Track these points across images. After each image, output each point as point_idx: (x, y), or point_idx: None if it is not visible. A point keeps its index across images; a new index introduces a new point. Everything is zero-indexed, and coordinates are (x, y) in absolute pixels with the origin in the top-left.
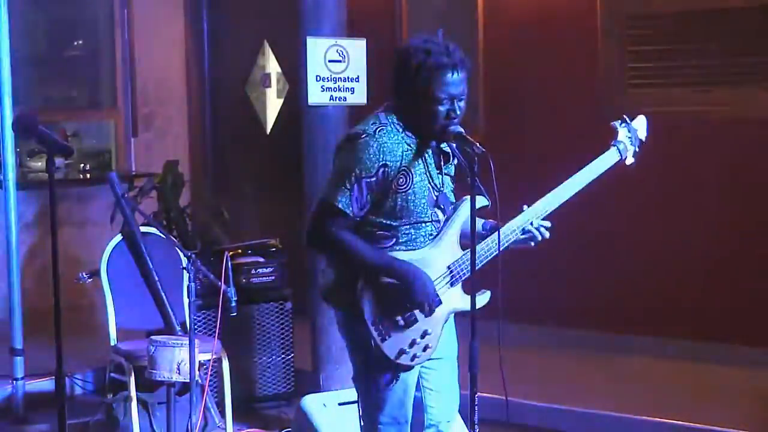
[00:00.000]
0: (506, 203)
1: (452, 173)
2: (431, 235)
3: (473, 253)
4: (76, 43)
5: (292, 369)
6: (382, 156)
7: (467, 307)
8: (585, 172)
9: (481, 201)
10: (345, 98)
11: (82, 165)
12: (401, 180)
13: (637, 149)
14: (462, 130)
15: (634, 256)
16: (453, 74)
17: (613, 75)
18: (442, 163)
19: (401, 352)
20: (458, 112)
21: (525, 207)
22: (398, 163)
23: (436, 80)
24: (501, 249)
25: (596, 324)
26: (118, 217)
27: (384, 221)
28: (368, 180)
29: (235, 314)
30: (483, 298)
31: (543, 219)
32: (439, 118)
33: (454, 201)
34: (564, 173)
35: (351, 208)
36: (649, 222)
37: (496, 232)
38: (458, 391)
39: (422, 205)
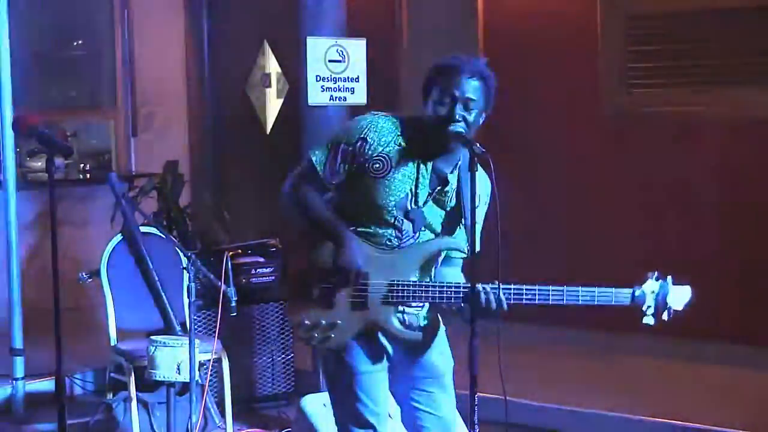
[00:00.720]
0: (506, 203)
1: (446, 205)
2: (389, 242)
3: (473, 248)
4: (76, 43)
5: (292, 369)
6: (366, 131)
7: (389, 330)
8: (579, 293)
9: (458, 246)
10: (345, 98)
11: (82, 165)
12: (377, 165)
13: (662, 314)
14: (462, 130)
15: (634, 256)
16: (463, 77)
17: (613, 75)
18: (438, 188)
19: (300, 323)
20: (460, 117)
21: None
22: (380, 147)
23: (443, 79)
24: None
25: (596, 324)
26: (118, 217)
27: (349, 208)
28: (345, 147)
29: (235, 314)
30: (411, 334)
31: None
32: (438, 116)
33: (437, 231)
34: (564, 173)
35: (323, 168)
36: (649, 221)
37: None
38: (454, 411)
39: (390, 204)
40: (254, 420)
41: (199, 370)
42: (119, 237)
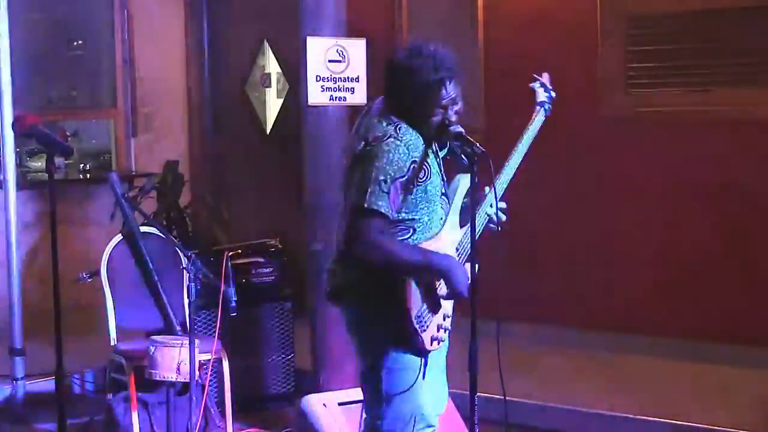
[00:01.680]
0: (505, 203)
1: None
2: (441, 219)
3: (473, 262)
4: (76, 43)
5: (292, 369)
6: (410, 153)
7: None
8: (525, 140)
9: (465, 183)
10: (345, 98)
11: (82, 165)
12: (422, 174)
13: (550, 105)
14: (462, 130)
15: (634, 256)
16: (441, 89)
17: (613, 75)
18: (439, 153)
19: (432, 339)
20: (453, 118)
21: (487, 189)
22: (420, 158)
23: (425, 99)
24: (477, 234)
25: (596, 324)
26: (118, 217)
27: (405, 216)
28: (402, 179)
29: (235, 314)
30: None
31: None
32: (433, 127)
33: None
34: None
35: (391, 210)
36: (649, 221)
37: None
38: (446, 384)
39: (437, 195)
40: (254, 420)
41: (199, 370)
42: (119, 237)
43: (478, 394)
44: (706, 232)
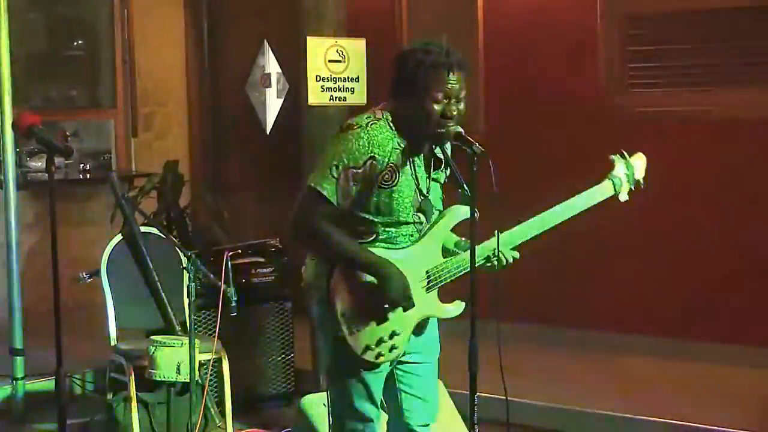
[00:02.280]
0: (506, 204)
1: (442, 180)
2: (411, 236)
3: (473, 254)
4: (76, 43)
5: (292, 369)
6: (371, 148)
7: (440, 314)
8: (572, 204)
9: (465, 213)
10: (345, 98)
11: (82, 165)
12: (387, 176)
13: (632, 187)
14: (461, 129)
15: (634, 256)
16: (450, 74)
17: (613, 75)
18: (432, 169)
19: (367, 348)
20: (455, 113)
21: (496, 232)
22: (386, 159)
23: (432, 78)
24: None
25: (596, 324)
26: (118, 217)
27: (366, 216)
28: (355, 171)
29: (235, 314)
30: (456, 309)
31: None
32: (435, 116)
33: (441, 209)
34: (564, 173)
35: (335, 197)
36: (649, 222)
37: (468, 250)
38: (437, 395)
39: (405, 206)
40: (254, 420)
41: (199, 370)
42: (119, 237)
43: (478, 394)
44: (707, 231)
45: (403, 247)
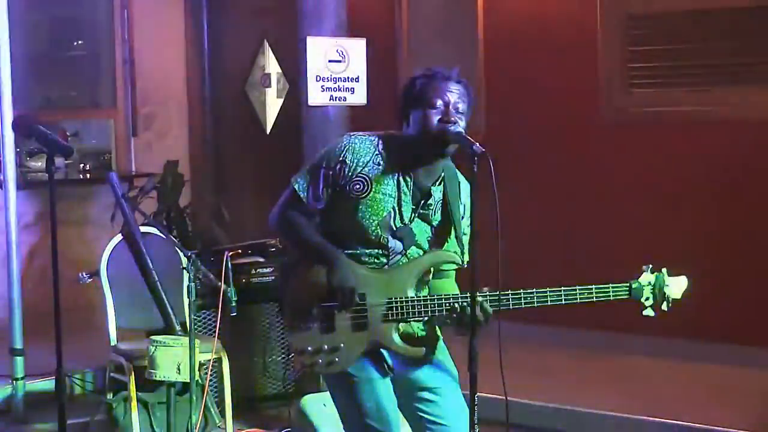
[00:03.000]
0: (506, 204)
1: (433, 223)
2: (377, 260)
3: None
4: (76, 43)
5: (292, 369)
6: (345, 153)
7: (394, 348)
8: (577, 292)
9: (449, 258)
10: (345, 98)
11: (82, 165)
12: (357, 186)
13: (660, 305)
14: (461, 130)
15: (635, 255)
16: (449, 83)
17: (613, 75)
18: (421, 202)
19: (303, 351)
20: (453, 119)
21: (485, 288)
22: (358, 168)
23: (431, 87)
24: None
25: (596, 324)
26: (118, 217)
27: (335, 231)
28: (325, 171)
29: (235, 314)
30: (415, 351)
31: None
32: (432, 121)
33: (424, 248)
34: (564, 173)
35: (306, 194)
36: (649, 221)
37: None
38: (466, 417)
39: (373, 224)
40: (254, 420)
41: (199, 370)
42: (119, 237)
43: (478, 394)
44: (707, 231)
45: (371, 268)
